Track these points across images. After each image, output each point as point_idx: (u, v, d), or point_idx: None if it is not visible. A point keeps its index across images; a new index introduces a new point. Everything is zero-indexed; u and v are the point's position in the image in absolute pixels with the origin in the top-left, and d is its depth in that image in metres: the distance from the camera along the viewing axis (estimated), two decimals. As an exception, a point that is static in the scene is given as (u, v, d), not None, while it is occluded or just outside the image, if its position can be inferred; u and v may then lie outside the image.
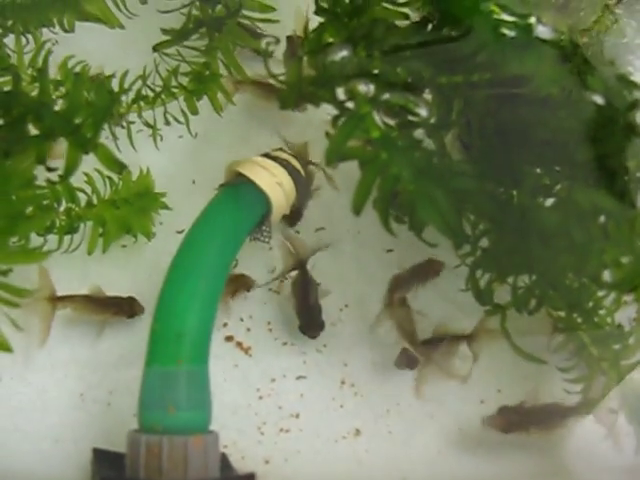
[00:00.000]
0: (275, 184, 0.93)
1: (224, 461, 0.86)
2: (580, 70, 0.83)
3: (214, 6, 1.07)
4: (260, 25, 1.08)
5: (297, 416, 0.98)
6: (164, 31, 1.06)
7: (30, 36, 1.00)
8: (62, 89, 0.91)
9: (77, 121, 0.80)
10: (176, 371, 0.81)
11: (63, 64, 0.94)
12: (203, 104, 1.05)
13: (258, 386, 0.99)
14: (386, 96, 0.79)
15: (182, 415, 0.81)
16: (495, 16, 0.81)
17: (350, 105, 0.78)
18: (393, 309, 1.00)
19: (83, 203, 0.96)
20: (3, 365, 0.95)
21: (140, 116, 1.01)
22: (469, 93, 0.84)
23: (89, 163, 0.84)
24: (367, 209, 0.76)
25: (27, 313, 0.92)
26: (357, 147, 0.78)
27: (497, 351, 0.96)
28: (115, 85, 0.96)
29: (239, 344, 1.01)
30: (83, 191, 0.96)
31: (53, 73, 0.91)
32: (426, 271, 1.02)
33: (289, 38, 1.07)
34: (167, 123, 1.03)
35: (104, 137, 0.87)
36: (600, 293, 0.88)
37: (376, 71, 0.82)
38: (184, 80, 1.03)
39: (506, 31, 0.81)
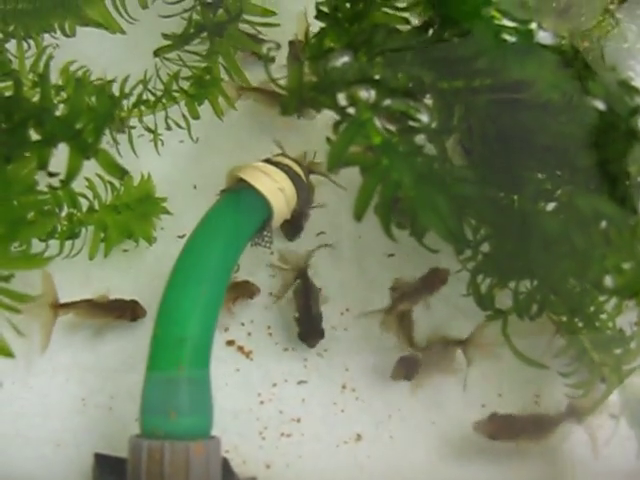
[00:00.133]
0: (276, 190, 0.93)
1: (225, 466, 0.86)
2: (581, 75, 0.83)
3: (215, 11, 1.07)
4: (261, 30, 1.08)
5: (298, 421, 0.98)
6: (165, 36, 1.06)
7: (31, 41, 0.99)
8: (63, 94, 0.91)
9: (78, 126, 0.80)
10: (178, 376, 0.81)
11: (64, 69, 0.95)
12: (204, 109, 1.05)
13: (259, 391, 0.99)
14: (387, 102, 0.79)
15: (184, 420, 0.81)
16: (496, 21, 0.81)
17: (351, 111, 0.78)
18: (395, 319, 0.99)
19: (85, 208, 0.96)
20: (5, 370, 0.95)
21: (141, 121, 1.02)
22: (470, 98, 0.84)
23: (90, 168, 0.84)
24: (368, 213, 0.76)
25: (29, 318, 0.92)
26: (358, 153, 0.78)
27: (497, 355, 0.96)
28: (116, 90, 0.97)
29: (240, 348, 1.01)
30: (85, 196, 0.96)
31: (54, 78, 0.91)
32: (432, 281, 1.00)
33: (291, 43, 1.08)
34: (168, 128, 1.03)
35: (105, 142, 0.87)
36: (601, 298, 0.88)
37: (377, 77, 0.82)
38: (185, 85, 1.04)
39: (507, 36, 0.81)
